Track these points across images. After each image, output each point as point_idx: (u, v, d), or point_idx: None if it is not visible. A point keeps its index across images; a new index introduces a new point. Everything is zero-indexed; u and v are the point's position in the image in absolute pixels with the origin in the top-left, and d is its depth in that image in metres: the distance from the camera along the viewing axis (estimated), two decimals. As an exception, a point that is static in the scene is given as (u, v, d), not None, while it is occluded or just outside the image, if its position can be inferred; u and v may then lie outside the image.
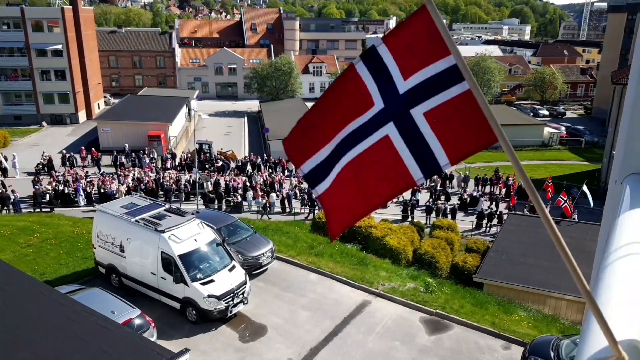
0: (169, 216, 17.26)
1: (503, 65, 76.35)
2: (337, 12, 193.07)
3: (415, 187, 32.16)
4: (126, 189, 30.35)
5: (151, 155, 39.98)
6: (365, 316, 16.73)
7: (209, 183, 33.23)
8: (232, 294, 15.77)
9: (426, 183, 33.73)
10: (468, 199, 33.05)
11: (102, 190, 30.32)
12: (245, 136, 53.53)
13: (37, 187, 29.56)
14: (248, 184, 33.19)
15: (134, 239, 16.90)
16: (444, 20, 2.25)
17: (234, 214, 25.33)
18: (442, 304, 17.39)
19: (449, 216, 29.98)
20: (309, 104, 61.94)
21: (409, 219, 29.59)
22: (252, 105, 68.64)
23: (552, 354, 13.12)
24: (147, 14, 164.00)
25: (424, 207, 31.41)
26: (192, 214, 18.68)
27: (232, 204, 30.76)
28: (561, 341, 13.52)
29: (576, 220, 26.62)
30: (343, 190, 2.64)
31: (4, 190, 29.43)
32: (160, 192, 31.50)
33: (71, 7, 56.89)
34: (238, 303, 16.07)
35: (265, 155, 43.51)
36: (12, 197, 28.51)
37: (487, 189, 36.53)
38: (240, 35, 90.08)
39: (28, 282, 10.62)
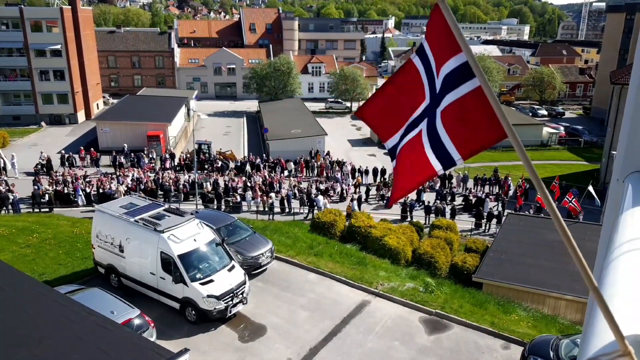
0: (168, 216, 17.26)
1: (502, 65, 76.46)
2: (336, 12, 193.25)
3: (424, 189, 32.89)
4: (125, 189, 30.34)
5: (150, 156, 39.97)
6: (364, 316, 16.73)
7: (208, 183, 33.24)
8: (231, 294, 15.76)
9: (427, 183, 33.81)
10: (474, 200, 32.92)
11: (101, 190, 30.31)
12: (245, 136, 53.53)
13: (36, 187, 29.53)
14: (248, 184, 33.20)
15: (133, 239, 16.89)
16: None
17: (233, 214, 25.34)
18: (441, 304, 17.40)
19: (448, 216, 29.99)
20: (308, 104, 62.06)
21: (408, 219, 29.62)
22: (251, 105, 68.65)
23: (551, 353, 13.13)
24: (145, 14, 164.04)
25: (424, 207, 31.43)
26: (192, 214, 18.67)
27: (231, 204, 30.77)
28: (560, 341, 13.53)
29: (580, 220, 26.68)
30: (401, 168, 2.98)
31: (8, 188, 29.41)
32: (160, 192, 31.50)
33: (70, 7, 56.81)
34: (237, 303, 16.06)
35: (264, 155, 43.50)
36: (11, 197, 28.48)
37: (487, 188, 36.52)
38: (239, 35, 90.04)
39: (27, 282, 10.61)
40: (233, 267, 16.73)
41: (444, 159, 2.55)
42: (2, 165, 35.72)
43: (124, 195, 26.95)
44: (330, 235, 23.53)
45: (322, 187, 33.97)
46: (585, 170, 44.43)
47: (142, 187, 31.27)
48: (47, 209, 28.70)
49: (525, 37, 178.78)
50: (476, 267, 20.53)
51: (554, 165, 45.39)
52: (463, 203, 33.10)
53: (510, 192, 35.36)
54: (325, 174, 38.62)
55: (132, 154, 39.68)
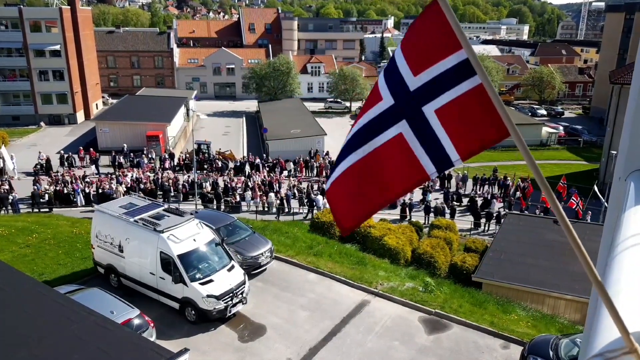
0: (168, 216, 17.25)
1: (501, 65, 76.45)
2: (335, 12, 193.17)
3: (428, 189, 32.62)
4: (125, 189, 30.33)
5: (149, 156, 39.95)
6: (364, 316, 16.73)
7: (207, 183, 33.23)
8: (231, 294, 15.76)
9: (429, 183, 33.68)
10: (481, 201, 32.81)
11: (100, 191, 30.28)
12: (244, 136, 53.51)
13: (35, 187, 29.50)
14: (248, 184, 33.20)
15: (132, 239, 16.88)
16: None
17: (232, 214, 25.33)
18: (441, 304, 17.40)
19: (447, 215, 29.98)
20: (308, 104, 62.05)
21: (408, 219, 29.61)
22: (251, 105, 68.60)
23: (551, 353, 13.13)
24: (145, 14, 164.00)
25: (424, 207, 31.40)
26: (191, 214, 18.67)
27: (230, 204, 30.76)
28: (560, 340, 13.53)
29: (588, 221, 26.69)
30: (354, 183, 2.70)
31: (9, 188, 29.39)
32: (159, 192, 31.48)
33: (69, 7, 56.77)
34: (237, 303, 16.06)
35: (264, 155, 43.48)
36: (11, 197, 28.46)
37: (486, 188, 36.47)
38: (238, 35, 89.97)
39: (27, 282, 10.60)
40: (233, 267, 16.73)
41: (438, 160, 2.40)
42: (2, 165, 35.66)
43: (124, 195, 26.95)
44: (330, 235, 23.53)
45: (322, 187, 33.95)
46: (584, 170, 44.45)
47: (142, 187, 31.26)
48: (47, 209, 28.69)
49: (525, 37, 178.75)
50: (476, 266, 20.53)
51: (554, 165, 45.39)
52: (469, 204, 32.97)
53: (513, 192, 35.25)
54: (324, 174, 38.61)
55: (132, 154, 39.67)
